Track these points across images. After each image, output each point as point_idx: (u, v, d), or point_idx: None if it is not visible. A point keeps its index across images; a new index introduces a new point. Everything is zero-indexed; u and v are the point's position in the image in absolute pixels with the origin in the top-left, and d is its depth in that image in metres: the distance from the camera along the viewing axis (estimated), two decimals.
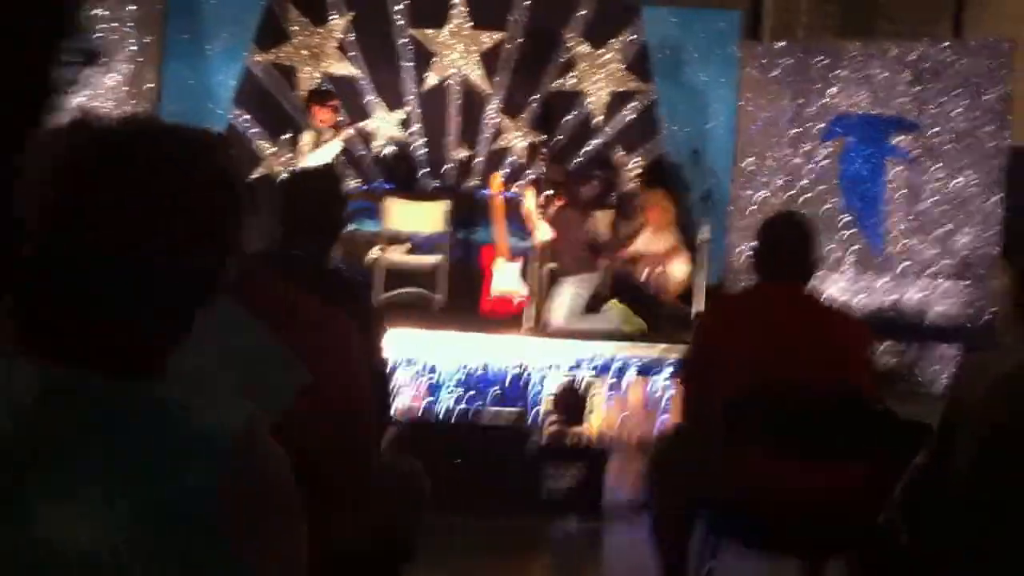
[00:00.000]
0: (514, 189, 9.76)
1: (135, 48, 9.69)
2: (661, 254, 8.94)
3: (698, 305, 8.31)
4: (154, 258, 1.27)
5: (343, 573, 2.49)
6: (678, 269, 8.97)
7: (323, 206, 3.55)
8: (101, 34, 9.51)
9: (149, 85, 9.78)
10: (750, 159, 9.52)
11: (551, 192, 8.38)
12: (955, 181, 8.94)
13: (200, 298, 1.33)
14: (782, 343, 3.87)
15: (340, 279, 3.71)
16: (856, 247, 9.16)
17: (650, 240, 9.06)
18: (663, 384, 7.71)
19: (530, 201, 8.45)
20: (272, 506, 1.30)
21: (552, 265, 8.57)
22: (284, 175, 4.90)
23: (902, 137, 9.09)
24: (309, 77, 10.01)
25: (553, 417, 6.58)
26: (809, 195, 9.30)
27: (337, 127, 9.06)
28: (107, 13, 9.55)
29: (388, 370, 3.78)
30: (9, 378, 1.26)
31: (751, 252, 4.16)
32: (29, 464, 1.21)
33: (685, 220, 9.38)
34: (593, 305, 8.41)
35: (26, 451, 1.22)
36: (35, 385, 1.25)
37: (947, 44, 9.20)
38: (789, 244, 4.02)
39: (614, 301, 8.48)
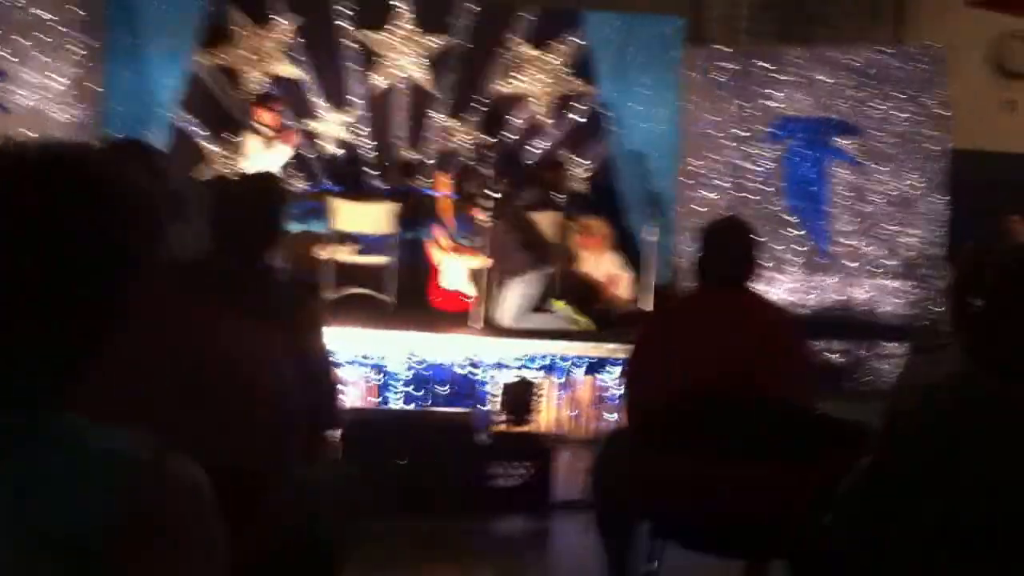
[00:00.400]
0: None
1: (79, 51, 9.55)
2: (604, 282, 9.00)
3: (645, 305, 8.32)
4: (35, 286, 1.22)
5: None
6: (623, 291, 9.07)
7: (256, 210, 3.51)
8: (43, 36, 9.39)
9: (93, 88, 9.64)
10: (695, 161, 9.55)
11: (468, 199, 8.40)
12: (898, 183, 9.02)
13: (103, 325, 1.28)
14: (718, 347, 3.88)
15: (274, 282, 3.66)
16: (802, 248, 9.21)
17: (592, 265, 9.13)
18: (612, 382, 7.71)
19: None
20: (184, 536, 1.26)
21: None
22: (226, 180, 4.85)
23: (845, 140, 9.16)
24: (253, 79, 9.92)
25: (501, 415, 6.53)
26: (754, 197, 9.34)
27: (284, 132, 9.02)
28: (49, 16, 9.41)
29: (331, 370, 3.71)
30: None
31: (693, 256, 4.14)
32: None
33: (629, 223, 9.40)
34: (540, 304, 8.41)
35: None
36: None
37: (887, 49, 9.28)
38: (728, 248, 4.04)
39: (561, 302, 8.47)
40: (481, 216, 8.38)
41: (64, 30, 9.43)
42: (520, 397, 6.60)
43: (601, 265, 9.08)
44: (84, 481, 1.20)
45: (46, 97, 9.40)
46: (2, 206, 1.23)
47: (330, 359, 3.66)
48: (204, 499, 1.29)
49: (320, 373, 3.51)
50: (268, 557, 2.45)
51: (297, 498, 2.84)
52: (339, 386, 3.87)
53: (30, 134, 9.31)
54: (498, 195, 8.36)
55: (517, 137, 10.14)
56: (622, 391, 4.50)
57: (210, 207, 3.52)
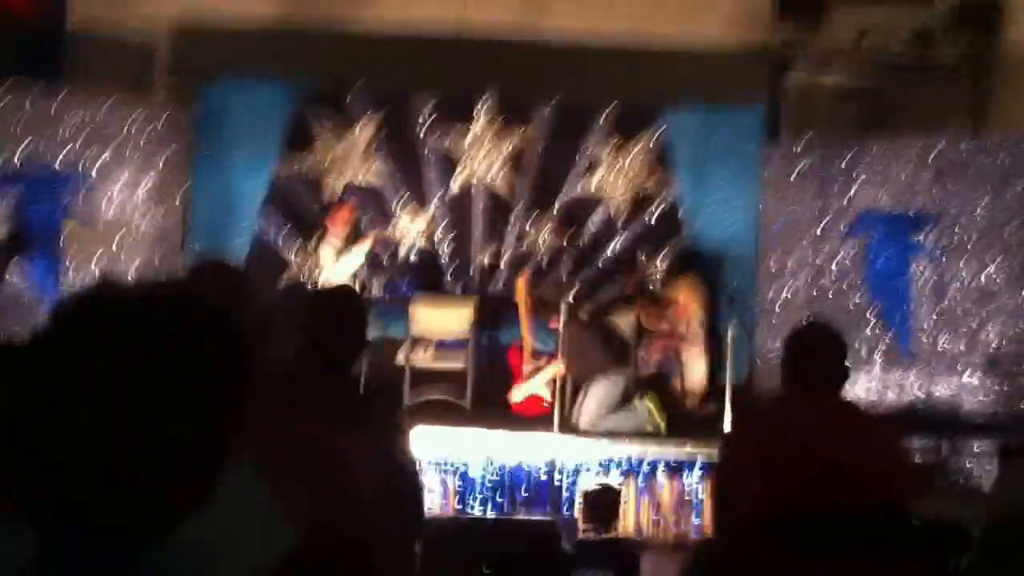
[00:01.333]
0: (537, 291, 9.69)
1: (164, 158, 9.63)
2: (683, 335, 8.79)
3: (725, 405, 8.12)
4: (160, 430, 1.21)
5: None
6: (696, 362, 8.85)
7: (346, 325, 3.50)
8: (128, 145, 9.45)
9: (177, 196, 9.70)
10: (774, 258, 9.40)
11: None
12: (981, 276, 8.76)
13: (211, 468, 1.27)
14: (816, 457, 3.75)
15: (360, 392, 3.65)
16: (883, 343, 8.97)
17: (676, 322, 8.91)
18: (694, 484, 7.51)
19: None
20: None
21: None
22: (307, 293, 4.80)
23: (926, 233, 8.94)
24: (334, 186, 9.95)
25: (585, 522, 6.38)
26: (833, 292, 9.14)
27: (360, 237, 9.01)
28: (135, 126, 9.51)
29: (417, 479, 3.68)
30: (11, 546, 1.21)
31: (781, 362, 3.99)
32: None
33: (710, 321, 9.25)
34: (622, 403, 8.26)
35: None
36: (38, 554, 1.20)
37: (968, 140, 9.07)
38: (819, 353, 3.90)
39: (644, 400, 8.31)
40: (559, 320, 8.27)
41: (149, 140, 9.53)
42: (603, 505, 6.44)
43: (687, 324, 8.89)
44: None
45: (131, 208, 9.47)
46: (136, 353, 1.22)
47: (415, 468, 3.63)
48: None
49: (407, 483, 3.46)
50: None
51: None
52: (423, 495, 3.83)
53: (116, 243, 9.39)
54: (575, 298, 8.27)
55: (595, 236, 10.01)
56: (714, 500, 4.36)
57: (297, 319, 3.50)
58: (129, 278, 1.36)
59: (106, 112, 9.42)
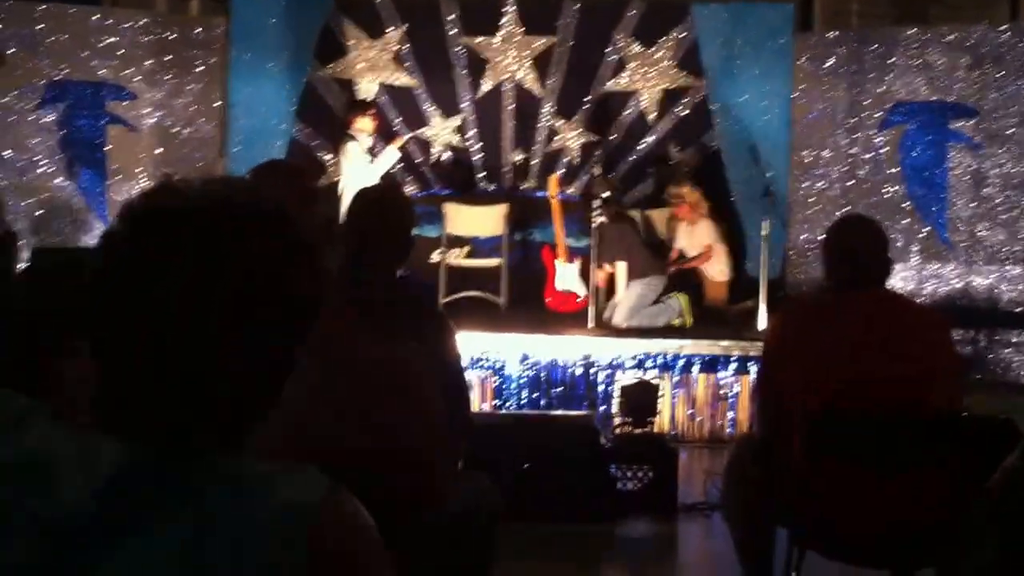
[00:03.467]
0: (570, 190, 9.39)
1: (202, 68, 9.49)
2: (701, 256, 8.57)
3: (761, 301, 7.79)
4: (231, 334, 1.18)
5: None
6: (716, 271, 8.59)
7: (395, 224, 3.36)
8: (168, 56, 9.26)
9: (216, 103, 9.54)
10: (807, 151, 8.98)
11: (599, 205, 7.99)
12: (1021, 164, 8.28)
13: (281, 371, 1.24)
14: (862, 352, 3.54)
15: (409, 293, 3.50)
16: (921, 235, 8.56)
17: (687, 236, 8.66)
18: (729, 379, 7.24)
19: None
20: (363, 571, 1.22)
21: (609, 268, 8.25)
22: (356, 193, 4.64)
23: (963, 122, 8.46)
24: (367, 89, 9.73)
25: (623, 417, 6.12)
26: (868, 185, 8.74)
27: (392, 136, 8.95)
28: (175, 36, 9.28)
29: (464, 378, 3.54)
30: (90, 455, 1.18)
31: (822, 258, 3.75)
32: (111, 541, 1.15)
33: (735, 215, 8.98)
34: (656, 301, 8.04)
35: (108, 528, 1.15)
36: (116, 461, 1.18)
37: (1006, 27, 8.52)
38: (861, 248, 3.64)
39: (679, 294, 8.06)
40: (602, 218, 7.99)
41: (187, 50, 9.38)
42: (641, 399, 6.16)
43: (696, 235, 8.58)
44: (265, 529, 1.15)
45: (172, 114, 9.33)
46: (207, 258, 1.18)
47: (462, 367, 3.50)
48: (376, 536, 1.25)
49: (456, 382, 3.33)
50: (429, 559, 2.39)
51: (451, 509, 2.70)
52: (469, 393, 3.70)
53: (159, 151, 9.27)
54: (617, 197, 8.04)
55: (625, 134, 9.69)
56: (755, 396, 4.12)
57: (347, 220, 3.39)
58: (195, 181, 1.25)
59: (146, 25, 9.31)
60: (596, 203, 7.93)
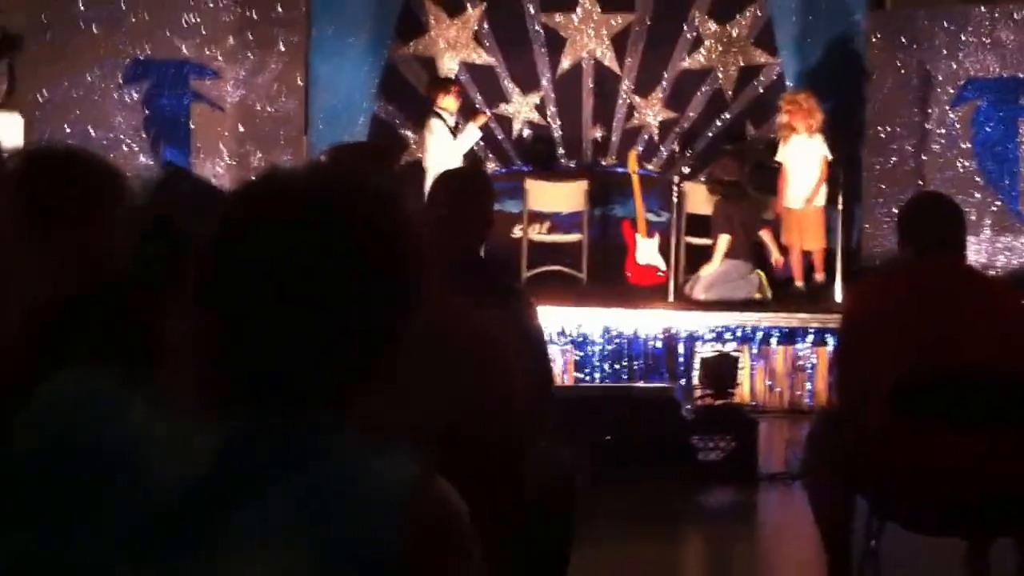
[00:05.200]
0: (649, 166, 9.48)
1: (284, 46, 9.64)
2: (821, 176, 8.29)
3: (837, 273, 7.94)
4: (334, 311, 1.21)
5: None
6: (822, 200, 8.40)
7: (475, 207, 3.46)
8: (249, 34, 9.48)
9: (299, 81, 9.71)
10: (881, 127, 9.07)
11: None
12: None
13: (381, 348, 1.26)
14: (945, 320, 3.62)
15: (491, 271, 3.67)
16: (992, 209, 8.64)
17: (801, 150, 8.32)
18: (807, 351, 7.40)
19: None
20: (454, 553, 1.23)
21: (696, 240, 8.35)
22: (437, 176, 4.85)
23: None
24: (447, 67, 9.84)
25: (703, 388, 6.31)
26: (942, 160, 8.82)
27: (470, 114, 9.00)
28: (257, 14, 9.51)
29: (547, 353, 3.65)
30: (192, 428, 1.21)
31: (898, 232, 3.88)
32: (213, 513, 1.17)
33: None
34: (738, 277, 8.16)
35: (210, 500, 1.17)
36: (217, 435, 1.20)
37: None
38: (939, 221, 3.75)
39: (758, 270, 8.18)
40: (714, 193, 8.13)
41: (269, 28, 9.53)
42: (721, 371, 6.35)
43: (811, 150, 8.32)
44: (361, 505, 1.17)
45: (254, 92, 9.52)
46: (308, 235, 1.21)
47: (545, 343, 3.58)
48: (467, 517, 1.25)
49: (538, 358, 3.41)
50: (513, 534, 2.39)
51: (534, 484, 2.74)
52: (552, 369, 3.85)
53: (242, 129, 9.49)
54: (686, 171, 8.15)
55: (703, 111, 9.78)
56: (836, 368, 4.25)
57: (427, 199, 3.52)
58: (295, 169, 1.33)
59: (226, 3, 9.41)
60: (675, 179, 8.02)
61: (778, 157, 8.48)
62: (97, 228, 1.89)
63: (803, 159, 8.34)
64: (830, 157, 8.32)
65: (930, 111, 8.93)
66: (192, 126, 9.48)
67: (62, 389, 1.26)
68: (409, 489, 1.19)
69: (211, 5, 9.37)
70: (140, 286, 1.80)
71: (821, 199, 8.38)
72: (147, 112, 9.28)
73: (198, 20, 9.35)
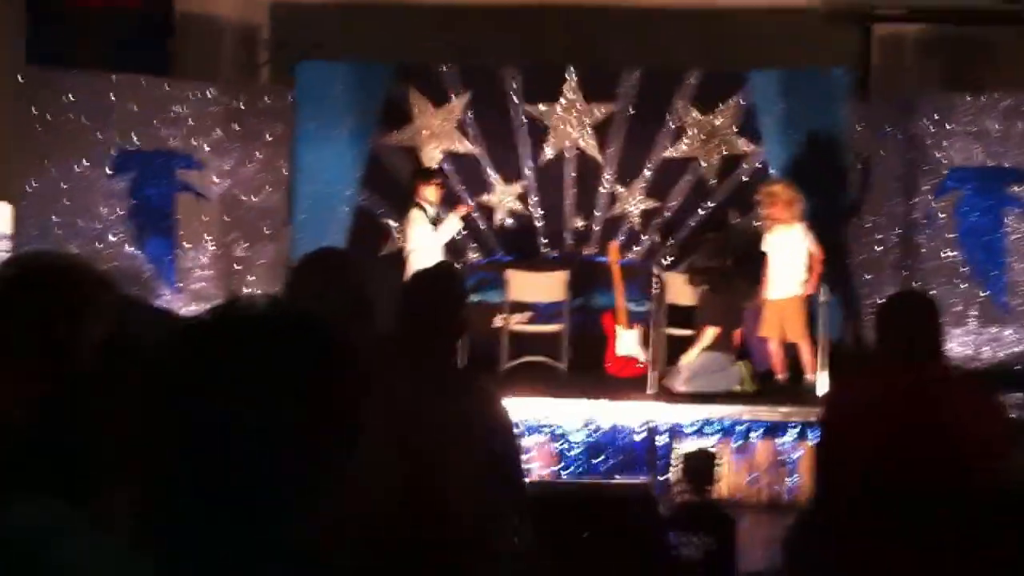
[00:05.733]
0: (631, 255, 9.50)
1: (269, 137, 9.73)
2: (813, 266, 8.19)
3: (822, 369, 7.85)
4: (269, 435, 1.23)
5: None
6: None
7: (445, 309, 3.43)
8: (235, 125, 9.48)
9: (283, 171, 9.76)
10: (864, 215, 9.07)
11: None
12: None
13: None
14: (909, 431, 3.50)
15: (458, 372, 3.64)
16: (979, 299, 8.58)
17: (782, 241, 8.25)
18: (789, 444, 7.29)
19: None
20: None
21: (677, 331, 8.26)
22: (410, 274, 4.82)
23: (1019, 187, 8.51)
24: (430, 157, 9.84)
25: (682, 485, 6.19)
26: (926, 250, 8.78)
27: (455, 202, 9.06)
28: (243, 106, 9.57)
29: (519, 457, 3.63)
30: (129, 554, 1.23)
31: (876, 333, 3.80)
32: None
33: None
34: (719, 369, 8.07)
35: None
36: (152, 560, 1.20)
37: None
38: (916, 323, 3.67)
39: (741, 362, 8.08)
40: (697, 284, 8.09)
41: (255, 119, 9.60)
42: (700, 468, 6.24)
43: (792, 239, 8.23)
44: None
45: (239, 183, 9.56)
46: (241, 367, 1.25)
47: (513, 438, 3.52)
48: None
49: (509, 458, 3.38)
50: None
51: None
52: (525, 470, 3.88)
53: (227, 218, 9.49)
54: (668, 262, 8.10)
55: (685, 200, 9.74)
56: (815, 469, 4.16)
57: (400, 300, 3.50)
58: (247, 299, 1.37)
59: (213, 94, 9.56)
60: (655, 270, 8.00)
61: (763, 247, 8.40)
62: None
63: (786, 249, 8.23)
64: (815, 250, 8.20)
65: (914, 200, 8.93)
66: (178, 216, 9.53)
67: (13, 520, 1.28)
68: None
69: (198, 96, 9.49)
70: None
71: (802, 289, 8.23)
72: (133, 202, 9.33)
73: (186, 111, 9.45)
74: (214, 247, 9.59)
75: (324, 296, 2.43)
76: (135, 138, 9.35)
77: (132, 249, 9.29)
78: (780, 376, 8.21)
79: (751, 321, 8.49)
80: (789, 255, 8.21)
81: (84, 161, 9.23)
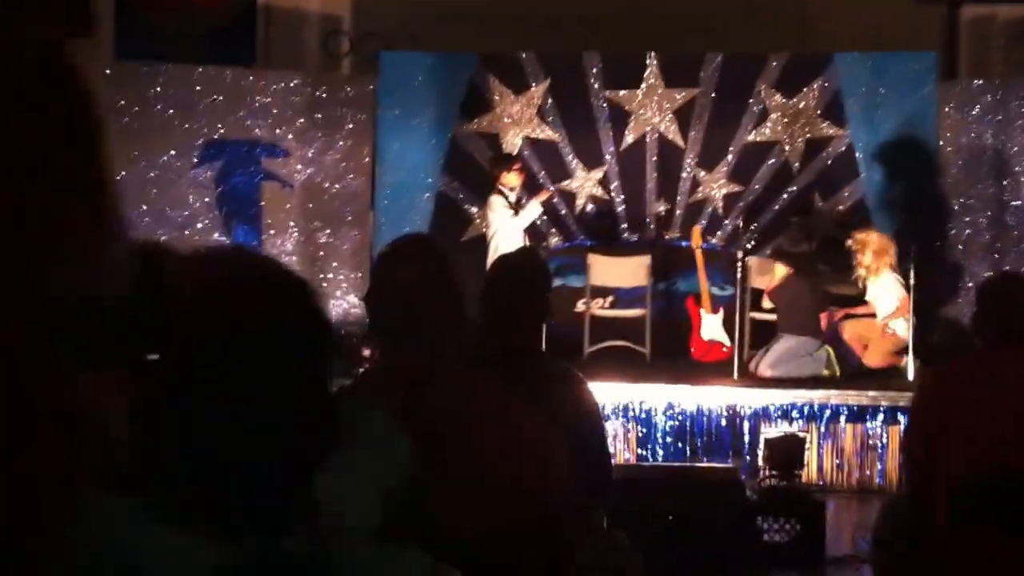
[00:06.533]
0: (713, 240, 9.42)
1: (351, 126, 9.80)
2: (893, 313, 8.19)
3: (909, 351, 7.70)
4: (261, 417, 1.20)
5: None
6: (901, 328, 8.15)
7: (530, 294, 3.40)
8: (321, 115, 9.57)
9: (365, 159, 9.84)
10: (954, 199, 8.88)
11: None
12: None
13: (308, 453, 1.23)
14: (1009, 422, 3.39)
15: (545, 362, 3.51)
16: None
17: (879, 292, 8.28)
18: (877, 429, 7.16)
19: None
20: None
21: (762, 316, 8.22)
22: (491, 260, 4.77)
23: None
24: (511, 143, 9.85)
25: (769, 469, 6.10)
26: (1016, 232, 8.58)
27: (537, 188, 9.09)
28: (326, 95, 9.61)
29: (606, 447, 3.61)
30: (188, 557, 1.21)
31: (974, 315, 3.76)
32: None
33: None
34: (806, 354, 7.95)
35: None
36: (214, 564, 1.19)
37: None
38: (1015, 307, 3.58)
39: (827, 346, 7.97)
40: (783, 269, 8.02)
41: (337, 108, 9.68)
42: (788, 453, 6.14)
43: (879, 287, 8.25)
44: None
45: (322, 170, 9.66)
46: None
47: (600, 425, 3.52)
48: None
49: (592, 441, 3.36)
50: None
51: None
52: (611, 460, 3.75)
53: (310, 206, 9.61)
54: (752, 246, 8.01)
55: (768, 184, 9.62)
56: (907, 455, 4.05)
57: (484, 287, 3.46)
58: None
59: (297, 84, 9.66)
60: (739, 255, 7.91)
61: (867, 297, 8.39)
62: None
63: (882, 295, 8.28)
64: (902, 296, 8.13)
65: (1005, 182, 8.72)
66: (263, 204, 9.65)
67: (88, 517, 1.28)
68: None
69: (282, 86, 9.60)
70: None
71: (903, 331, 8.12)
72: (220, 191, 9.48)
73: (269, 100, 9.56)
74: (298, 234, 9.70)
75: (413, 283, 2.40)
76: (221, 128, 9.48)
77: (219, 236, 9.42)
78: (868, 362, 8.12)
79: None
80: (879, 304, 8.25)
81: (171, 151, 9.41)
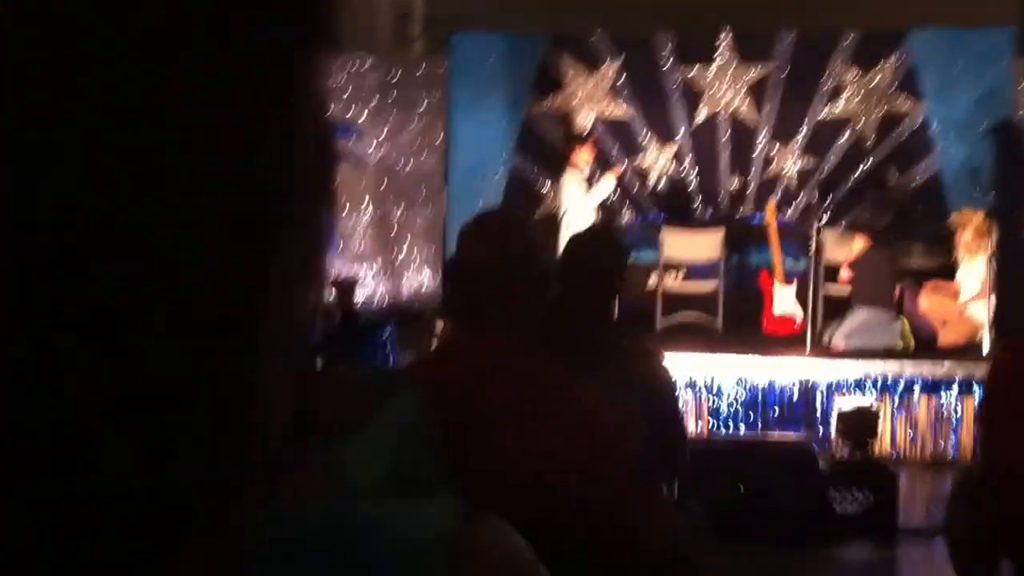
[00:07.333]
0: (786, 216, 9.36)
1: (424, 106, 9.89)
2: (974, 296, 8.09)
3: (986, 324, 7.61)
4: None
5: None
6: (979, 312, 8.04)
7: (608, 269, 3.35)
8: (394, 96, 9.67)
9: (438, 139, 9.93)
10: None
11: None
12: None
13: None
14: None
15: (620, 338, 3.45)
16: None
17: (969, 273, 8.17)
18: (952, 402, 7.09)
19: None
20: None
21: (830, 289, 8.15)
22: (564, 237, 4.81)
23: None
24: (583, 122, 9.85)
25: (842, 441, 6.08)
26: None
27: (605, 167, 9.08)
28: (399, 76, 9.71)
29: (682, 420, 3.63)
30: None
31: None
32: None
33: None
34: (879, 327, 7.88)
35: None
36: None
37: None
38: None
39: (901, 318, 7.91)
40: (861, 243, 7.95)
41: (411, 88, 9.77)
42: (861, 424, 6.11)
43: (971, 268, 8.14)
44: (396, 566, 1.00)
45: (395, 150, 9.76)
46: None
47: (675, 399, 3.52)
48: (522, 567, 1.07)
49: (666, 416, 3.30)
50: None
51: (652, 547, 2.54)
52: (686, 432, 3.75)
53: (384, 185, 9.72)
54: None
55: (842, 160, 9.53)
56: (980, 429, 4.01)
57: (559, 261, 3.44)
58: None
59: (371, 66, 9.75)
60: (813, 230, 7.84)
61: (958, 275, 8.28)
62: None
63: (970, 276, 8.18)
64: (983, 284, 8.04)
65: None
66: (337, 184, 9.77)
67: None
68: (439, 547, 1.11)
69: (356, 67, 9.68)
70: None
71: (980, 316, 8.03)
72: None
73: (345, 82, 9.65)
74: (372, 211, 9.82)
75: (492, 258, 2.40)
76: None
77: None
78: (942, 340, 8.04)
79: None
80: (965, 285, 8.15)
81: None
